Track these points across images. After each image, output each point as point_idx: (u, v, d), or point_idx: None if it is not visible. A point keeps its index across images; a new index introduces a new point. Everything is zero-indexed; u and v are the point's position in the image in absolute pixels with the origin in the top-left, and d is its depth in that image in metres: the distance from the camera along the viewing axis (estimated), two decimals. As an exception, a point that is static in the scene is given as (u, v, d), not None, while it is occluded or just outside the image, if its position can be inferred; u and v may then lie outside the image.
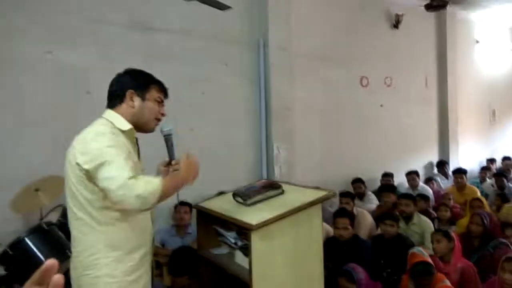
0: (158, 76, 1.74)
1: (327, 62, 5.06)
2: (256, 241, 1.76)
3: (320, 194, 1.96)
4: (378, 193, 4.84)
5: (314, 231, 1.94)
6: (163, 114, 1.72)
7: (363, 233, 3.95)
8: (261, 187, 2.06)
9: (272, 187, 2.07)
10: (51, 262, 0.52)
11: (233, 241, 2.03)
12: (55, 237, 2.57)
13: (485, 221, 3.36)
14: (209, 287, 2.23)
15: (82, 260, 1.55)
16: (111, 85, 1.69)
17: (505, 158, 7.01)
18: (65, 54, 3.42)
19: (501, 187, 5.33)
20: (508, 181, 5.48)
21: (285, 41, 4.55)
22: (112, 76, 1.72)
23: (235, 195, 2.14)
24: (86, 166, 1.47)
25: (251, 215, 1.86)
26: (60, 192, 2.52)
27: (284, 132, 4.53)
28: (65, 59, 3.42)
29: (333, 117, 5.16)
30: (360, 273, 2.56)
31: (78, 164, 1.49)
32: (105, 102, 1.70)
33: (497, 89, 7.48)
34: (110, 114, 1.64)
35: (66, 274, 2.01)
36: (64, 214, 2.79)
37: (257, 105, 4.47)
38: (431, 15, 6.28)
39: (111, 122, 1.60)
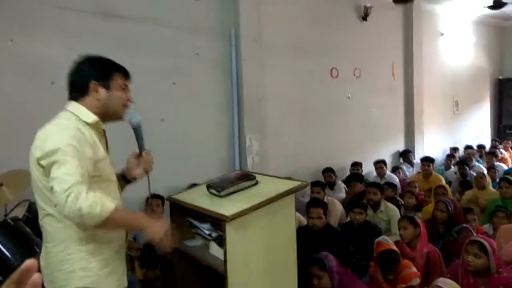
0: (127, 66, 1.69)
1: (298, 53, 5.09)
2: (231, 232, 1.76)
3: (293, 184, 1.99)
4: (347, 182, 4.95)
5: (288, 221, 1.97)
6: (129, 100, 1.66)
7: (334, 221, 4.04)
8: (236, 178, 2.06)
9: (246, 178, 2.07)
10: (31, 261, 0.50)
11: (207, 232, 2.03)
12: (22, 233, 2.48)
13: (449, 208, 3.49)
14: (184, 280, 2.22)
15: (54, 255, 1.51)
16: (71, 75, 1.60)
17: (467, 147, 7.34)
18: (28, 42, 3.28)
19: (463, 174, 5.58)
20: (470, 169, 5.73)
21: (256, 31, 4.54)
22: (77, 65, 1.65)
23: (209, 186, 2.13)
24: (42, 162, 1.42)
25: (226, 207, 1.86)
26: (26, 186, 2.44)
27: (256, 123, 4.55)
28: (27, 47, 3.28)
29: (304, 108, 5.21)
30: (332, 260, 2.61)
31: (37, 159, 1.44)
32: (69, 92, 1.63)
33: (460, 81, 7.78)
34: (74, 106, 1.56)
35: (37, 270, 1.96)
36: (30, 209, 2.70)
37: (229, 96, 4.46)
38: (399, 7, 6.42)
39: (76, 115, 1.54)
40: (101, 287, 1.53)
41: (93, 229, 1.43)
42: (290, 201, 1.96)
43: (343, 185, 5.00)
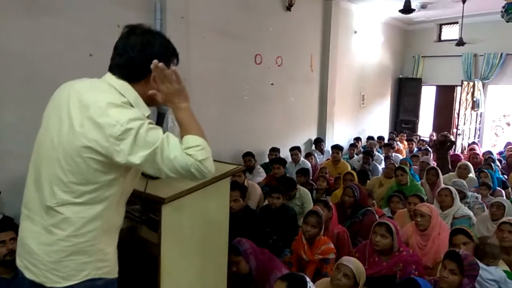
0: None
1: (224, 36, 5.06)
2: (166, 215, 1.74)
3: (230, 168, 2.01)
4: (267, 165, 5.13)
5: (222, 203, 2.00)
6: None
7: (253, 204, 4.17)
8: (170, 160, 2.01)
9: (181, 160, 2.03)
10: None
11: (137, 215, 1.97)
12: None
13: (355, 193, 3.83)
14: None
15: (73, 244, 1.33)
16: (136, 53, 1.36)
17: (369, 138, 8.06)
18: None
19: (367, 163, 6.13)
20: (372, 158, 6.31)
21: (183, 9, 4.40)
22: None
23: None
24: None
25: (160, 189, 1.81)
26: None
27: (179, 104, 4.42)
28: None
29: (227, 91, 5.23)
30: (245, 244, 2.67)
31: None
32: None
33: (367, 77, 8.47)
34: (130, 92, 1.36)
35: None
36: None
37: (152, 73, 4.27)
38: (320, 2, 6.72)
39: (131, 104, 1.34)
40: (113, 274, 1.46)
41: None
42: (226, 184, 1.99)
43: (262, 169, 5.17)
